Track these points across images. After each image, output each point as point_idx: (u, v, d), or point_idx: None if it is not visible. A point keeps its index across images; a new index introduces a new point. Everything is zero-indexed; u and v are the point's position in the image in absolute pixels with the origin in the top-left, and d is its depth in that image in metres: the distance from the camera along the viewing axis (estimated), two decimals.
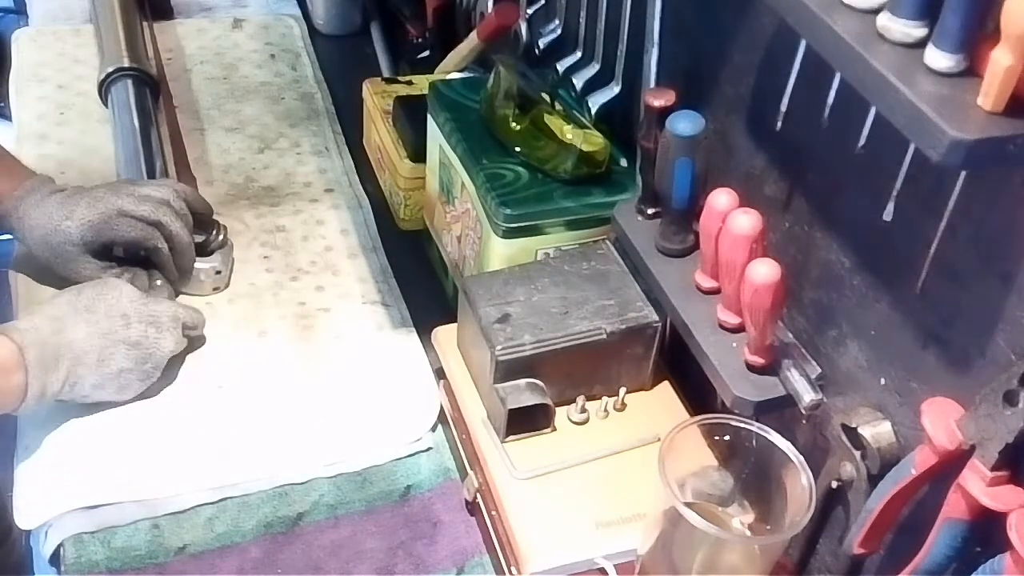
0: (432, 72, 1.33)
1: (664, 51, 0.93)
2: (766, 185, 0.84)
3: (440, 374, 1.00)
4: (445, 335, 0.99)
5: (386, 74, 1.46)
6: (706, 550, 0.76)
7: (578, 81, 1.06)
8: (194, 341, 1.01)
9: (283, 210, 1.21)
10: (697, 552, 0.76)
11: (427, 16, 1.48)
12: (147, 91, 1.26)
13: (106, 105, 1.27)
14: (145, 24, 1.42)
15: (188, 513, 0.90)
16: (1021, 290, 0.60)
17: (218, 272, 1.08)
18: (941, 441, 0.63)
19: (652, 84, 0.94)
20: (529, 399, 0.87)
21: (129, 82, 1.26)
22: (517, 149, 1.00)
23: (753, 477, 0.79)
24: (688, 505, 0.73)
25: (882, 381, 0.74)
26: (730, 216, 0.75)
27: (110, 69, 1.26)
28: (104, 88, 1.27)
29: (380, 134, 1.24)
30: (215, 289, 1.08)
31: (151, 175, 1.13)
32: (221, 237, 1.09)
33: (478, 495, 0.90)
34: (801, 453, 0.75)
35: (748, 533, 0.80)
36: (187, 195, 1.06)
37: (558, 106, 1.02)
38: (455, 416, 0.96)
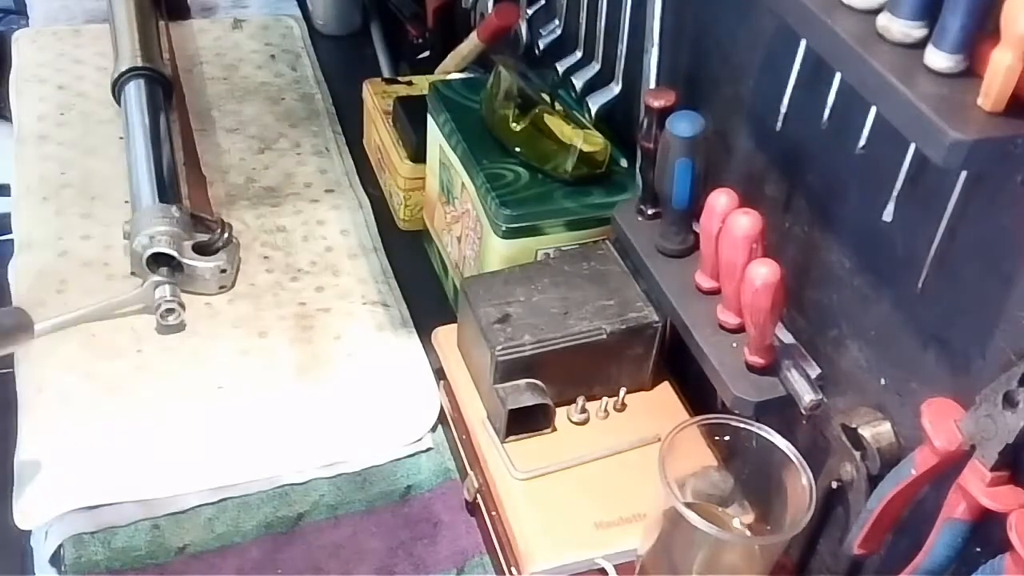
0: (432, 72, 1.33)
1: (664, 51, 0.93)
2: (766, 185, 0.84)
3: (440, 374, 1.00)
4: (445, 335, 0.99)
5: (386, 74, 1.46)
6: (706, 550, 0.76)
7: (578, 81, 1.06)
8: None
9: (283, 210, 1.21)
10: (697, 552, 0.76)
11: (427, 16, 1.48)
12: (160, 91, 1.26)
13: (119, 104, 1.27)
14: (161, 24, 1.41)
15: (188, 513, 0.90)
16: (1021, 290, 0.60)
17: (223, 271, 1.08)
18: (941, 442, 0.63)
19: (652, 84, 0.94)
20: (529, 399, 0.87)
21: (141, 82, 1.25)
22: (517, 149, 1.00)
23: (753, 477, 0.79)
24: (688, 505, 0.73)
25: (882, 381, 0.74)
26: (730, 216, 0.75)
27: (123, 68, 1.26)
28: (117, 88, 1.26)
29: (380, 134, 1.24)
30: (221, 288, 1.09)
31: (159, 176, 1.13)
32: (226, 236, 1.09)
33: (478, 495, 0.90)
34: (801, 453, 0.75)
35: (748, 533, 0.80)
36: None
37: (558, 106, 1.02)
38: (455, 416, 0.96)
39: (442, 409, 0.99)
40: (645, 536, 0.80)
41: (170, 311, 1.02)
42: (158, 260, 1.05)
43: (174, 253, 1.04)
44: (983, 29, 0.54)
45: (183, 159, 1.23)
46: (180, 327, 1.04)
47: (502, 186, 0.97)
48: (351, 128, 1.35)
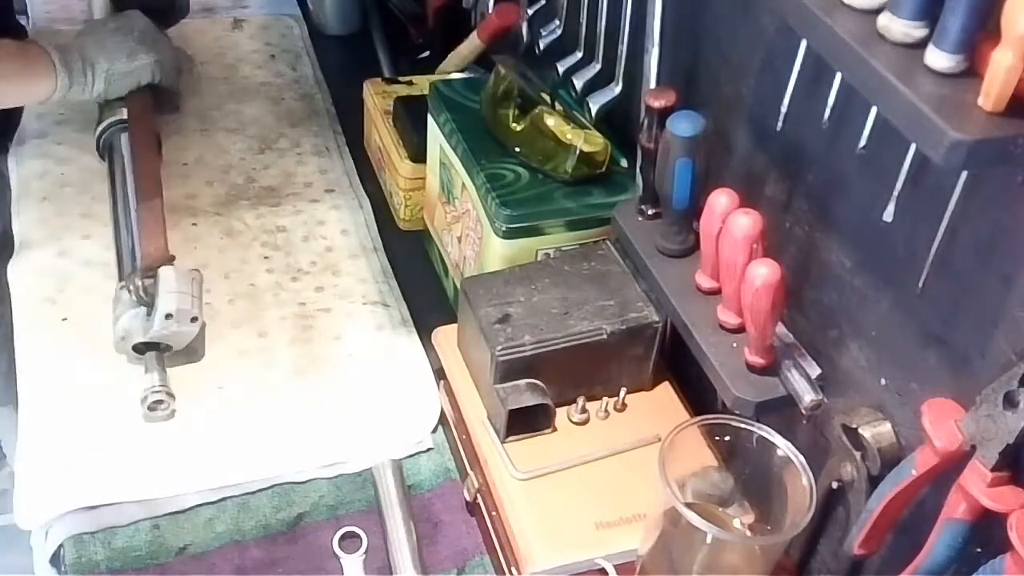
0: (433, 72, 1.33)
1: (664, 51, 0.93)
2: (766, 185, 0.84)
3: (440, 374, 1.00)
4: (445, 335, 0.99)
5: (386, 74, 1.45)
6: (706, 550, 0.76)
7: (578, 81, 1.06)
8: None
9: (283, 210, 1.21)
10: (697, 552, 0.76)
11: (427, 16, 1.48)
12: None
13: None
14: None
15: (188, 513, 0.90)
16: (1021, 290, 0.60)
17: (168, 316, 0.95)
18: (942, 442, 0.63)
19: (652, 84, 0.94)
20: (529, 399, 0.87)
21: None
22: (517, 149, 1.00)
23: (753, 477, 0.79)
24: (688, 505, 0.73)
25: (882, 381, 0.74)
26: (730, 217, 0.75)
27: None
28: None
29: (380, 134, 1.24)
30: (193, 320, 0.97)
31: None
32: (146, 282, 0.98)
33: (478, 495, 0.90)
34: (801, 453, 0.75)
35: (748, 533, 0.80)
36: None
37: (558, 106, 1.02)
38: (455, 417, 0.95)
39: (442, 409, 0.99)
40: (645, 536, 0.80)
41: (158, 402, 0.95)
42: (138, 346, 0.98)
43: (146, 339, 0.97)
44: (984, 29, 0.54)
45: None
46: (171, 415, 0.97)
47: (502, 186, 0.97)
48: (351, 128, 1.35)
